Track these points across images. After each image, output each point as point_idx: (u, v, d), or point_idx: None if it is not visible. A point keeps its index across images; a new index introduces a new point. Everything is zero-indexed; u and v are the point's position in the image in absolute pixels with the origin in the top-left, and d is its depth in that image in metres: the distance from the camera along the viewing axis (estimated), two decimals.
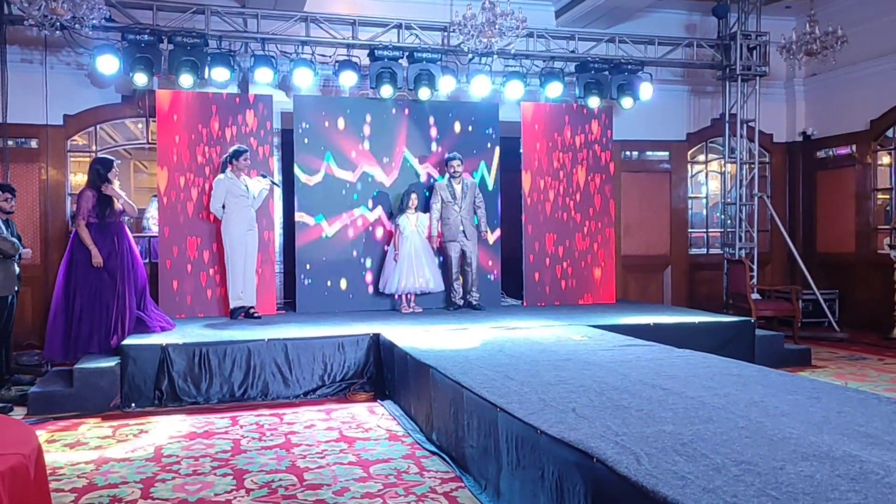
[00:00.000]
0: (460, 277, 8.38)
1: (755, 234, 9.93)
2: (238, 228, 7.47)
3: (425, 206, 8.33)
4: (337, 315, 7.88)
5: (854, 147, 10.01)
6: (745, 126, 9.84)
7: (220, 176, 7.58)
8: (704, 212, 10.77)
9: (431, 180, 8.64)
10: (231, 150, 7.58)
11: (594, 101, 9.08)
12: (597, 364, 4.87)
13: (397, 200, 8.42)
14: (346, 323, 7.11)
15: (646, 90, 9.25)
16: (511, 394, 3.95)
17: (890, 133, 9.64)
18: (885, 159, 9.86)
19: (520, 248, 9.06)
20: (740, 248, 9.80)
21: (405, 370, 5.56)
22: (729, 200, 10.11)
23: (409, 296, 8.14)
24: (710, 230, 10.70)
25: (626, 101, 9.17)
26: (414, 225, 8.10)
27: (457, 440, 4.29)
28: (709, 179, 10.80)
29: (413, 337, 6.16)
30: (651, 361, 4.95)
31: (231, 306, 7.57)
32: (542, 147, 9.08)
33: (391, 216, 8.33)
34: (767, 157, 10.71)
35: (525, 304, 8.99)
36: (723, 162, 10.26)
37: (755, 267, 9.72)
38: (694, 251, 10.59)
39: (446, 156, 8.32)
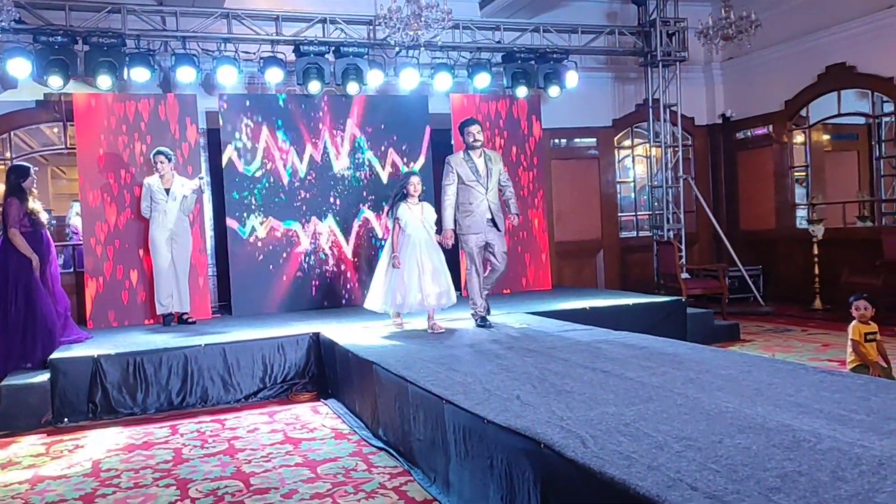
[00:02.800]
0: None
1: (682, 216, 10.22)
2: (157, 232, 7.28)
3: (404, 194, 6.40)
4: (275, 316, 7.77)
5: (770, 127, 10.40)
6: (667, 110, 10.10)
7: (147, 178, 7.40)
8: (633, 195, 11.03)
9: (371, 175, 8.61)
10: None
11: (522, 91, 9.18)
12: (538, 351, 4.95)
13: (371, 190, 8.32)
14: (284, 323, 7.02)
15: (571, 78, 9.40)
16: (455, 385, 3.97)
17: (804, 112, 10.06)
18: (800, 138, 10.29)
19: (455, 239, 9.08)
20: (668, 230, 10.08)
21: (347, 368, 5.53)
22: (655, 184, 10.38)
23: (430, 311, 6.17)
24: (638, 213, 10.96)
25: (553, 90, 9.30)
26: (419, 219, 6.13)
27: (403, 434, 4.30)
28: (635, 164, 11.05)
29: (353, 334, 6.13)
30: (590, 345, 5.06)
31: (157, 313, 7.39)
32: None
33: (389, 208, 6.31)
34: (690, 139, 11.02)
35: (464, 294, 9.03)
36: (648, 146, 10.52)
37: (683, 247, 10.01)
38: (624, 234, 10.84)
39: (463, 120, 6.52)
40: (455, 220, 6.19)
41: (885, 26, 8.58)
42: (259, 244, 8.21)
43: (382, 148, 8.71)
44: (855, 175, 11.26)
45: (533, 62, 9.24)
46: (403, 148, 8.76)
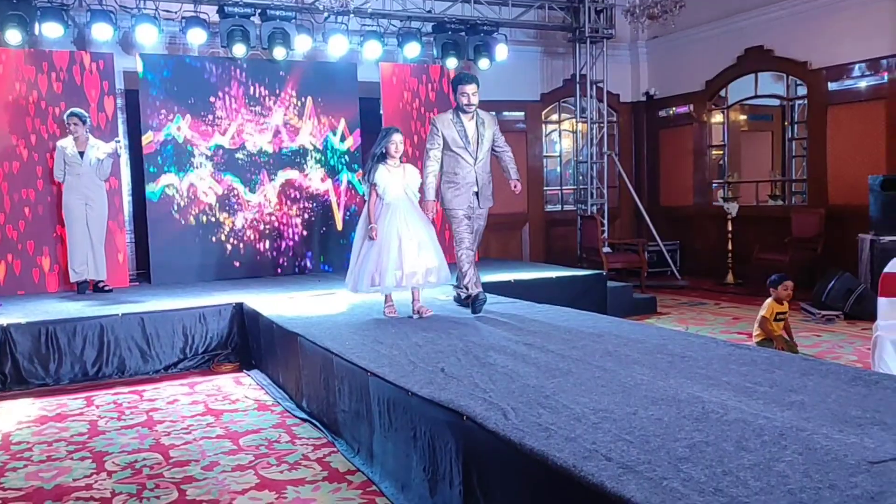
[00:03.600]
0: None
1: (605, 191, 10.45)
2: (71, 197, 7.01)
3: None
4: (197, 285, 7.60)
5: (691, 106, 10.71)
6: (594, 87, 10.25)
7: (60, 141, 7.08)
8: (558, 169, 11.20)
9: (297, 143, 8.46)
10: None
11: (452, 62, 9.15)
12: (462, 323, 5.01)
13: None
14: (206, 293, 6.88)
15: (501, 51, 9.42)
16: (381, 357, 3.99)
17: (723, 93, 10.38)
18: (718, 117, 10.63)
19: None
20: (592, 205, 10.29)
21: (271, 339, 5.48)
22: (581, 159, 10.56)
23: (415, 293, 5.34)
24: (563, 187, 11.15)
25: (483, 62, 9.30)
26: (401, 185, 5.21)
27: (328, 406, 4.30)
28: (562, 138, 11.21)
29: (278, 305, 6.06)
30: (513, 318, 5.15)
31: (71, 280, 7.13)
32: (403, 108, 9.07)
33: (366, 172, 5.35)
34: (615, 116, 11.24)
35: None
36: (574, 121, 10.67)
37: (606, 222, 10.25)
38: (550, 208, 11.02)
39: (458, 75, 5.68)
40: (437, 192, 5.46)
41: (802, 12, 8.90)
42: (181, 211, 7.99)
43: (309, 115, 8.56)
44: (769, 155, 11.74)
45: (463, 33, 9.22)
46: (330, 115, 8.64)
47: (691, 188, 10.76)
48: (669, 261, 10.30)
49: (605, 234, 10.00)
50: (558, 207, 11.07)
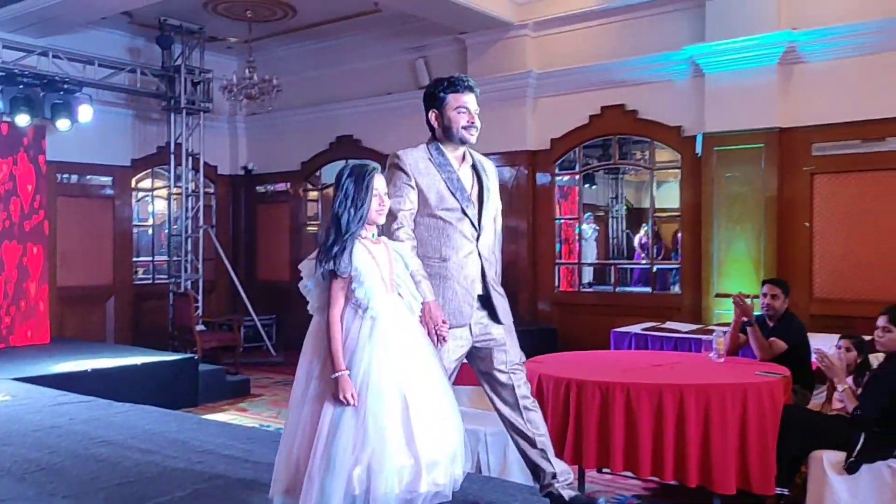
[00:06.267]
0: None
1: (200, 265, 10.13)
2: None
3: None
4: None
5: (289, 184, 11.06)
6: (190, 158, 9.97)
7: None
8: (151, 240, 10.60)
9: None
10: None
11: (23, 119, 8.10)
12: (21, 435, 4.32)
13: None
14: None
15: (85, 112, 8.60)
16: None
17: (318, 174, 10.92)
18: (314, 194, 11.15)
19: None
20: (186, 279, 9.89)
21: None
22: (174, 232, 10.13)
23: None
24: (156, 258, 10.55)
25: (63, 123, 8.40)
26: (389, 275, 2.72)
27: None
28: (156, 207, 10.65)
29: None
30: (86, 423, 4.60)
31: None
32: None
33: (322, 254, 2.70)
34: (213, 188, 11.06)
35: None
36: (168, 191, 10.23)
37: (201, 296, 9.92)
38: (140, 280, 10.33)
39: (444, 78, 3.09)
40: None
41: (383, 110, 9.78)
42: None
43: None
44: None
45: (39, 89, 8.26)
46: None
47: (288, 262, 11.00)
48: (265, 336, 10.33)
49: (200, 312, 9.66)
50: (150, 279, 10.42)
